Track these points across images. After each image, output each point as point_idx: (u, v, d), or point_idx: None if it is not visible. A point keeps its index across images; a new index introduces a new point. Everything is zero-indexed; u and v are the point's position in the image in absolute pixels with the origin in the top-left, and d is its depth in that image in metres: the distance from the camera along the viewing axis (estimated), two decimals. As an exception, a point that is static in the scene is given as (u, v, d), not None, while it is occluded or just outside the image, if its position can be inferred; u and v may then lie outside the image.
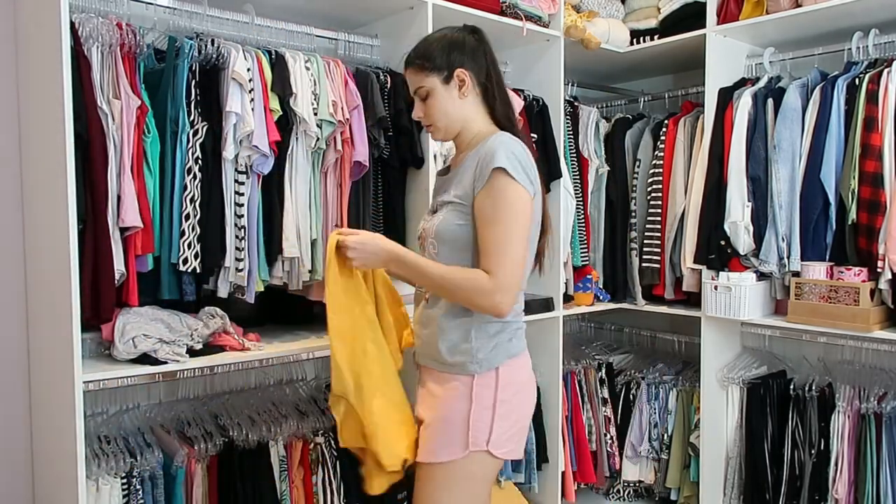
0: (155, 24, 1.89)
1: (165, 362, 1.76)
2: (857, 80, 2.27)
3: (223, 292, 1.91)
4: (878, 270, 2.19)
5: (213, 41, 1.89)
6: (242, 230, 1.90)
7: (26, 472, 2.06)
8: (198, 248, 1.83)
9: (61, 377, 1.71)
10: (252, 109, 1.87)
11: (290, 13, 2.20)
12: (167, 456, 1.93)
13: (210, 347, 1.88)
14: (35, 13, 1.81)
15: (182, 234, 1.82)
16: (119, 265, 1.72)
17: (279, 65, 1.96)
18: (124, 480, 1.83)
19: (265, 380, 2.32)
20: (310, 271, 2.02)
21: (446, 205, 1.54)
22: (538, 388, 2.73)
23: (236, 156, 1.88)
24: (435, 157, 2.29)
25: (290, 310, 2.28)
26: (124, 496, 1.82)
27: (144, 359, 1.75)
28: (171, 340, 1.78)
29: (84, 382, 1.63)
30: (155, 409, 2.12)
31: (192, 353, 1.83)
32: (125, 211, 1.70)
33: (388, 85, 2.20)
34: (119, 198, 1.71)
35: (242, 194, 1.90)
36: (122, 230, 1.73)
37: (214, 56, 1.88)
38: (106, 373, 1.69)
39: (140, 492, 1.85)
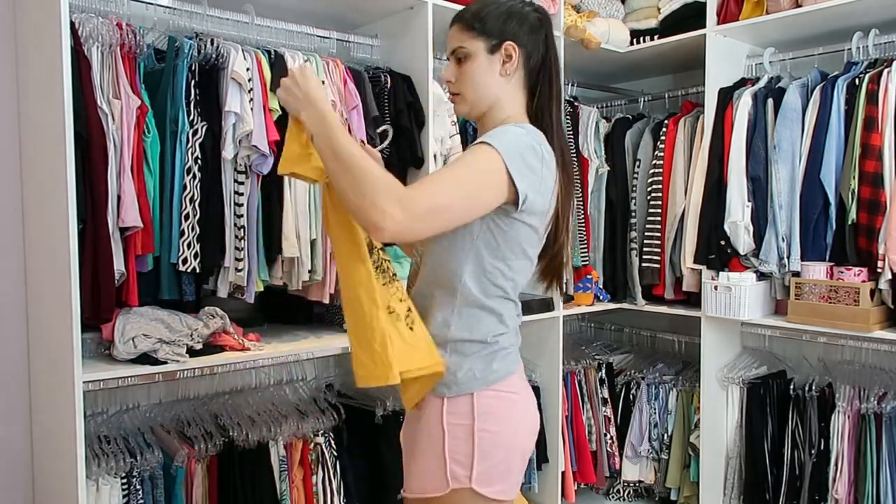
0: (155, 24, 1.89)
1: (165, 362, 1.76)
2: (857, 80, 2.27)
3: (223, 292, 1.91)
4: (878, 270, 2.19)
5: (212, 41, 1.89)
6: (242, 230, 1.90)
7: (26, 472, 2.06)
8: (197, 248, 1.83)
9: (61, 377, 1.71)
10: (251, 109, 1.87)
11: (290, 13, 2.20)
12: (167, 456, 1.93)
13: (210, 347, 1.88)
14: (35, 13, 1.81)
15: (181, 234, 1.82)
16: (119, 265, 1.72)
17: (278, 64, 1.96)
18: (124, 480, 1.83)
19: (265, 380, 2.32)
20: (309, 271, 2.01)
21: None
22: (539, 389, 2.77)
23: (235, 155, 1.88)
24: (435, 156, 2.29)
25: (290, 310, 2.28)
26: (124, 496, 1.82)
27: (144, 359, 1.75)
28: (171, 340, 1.78)
29: (84, 382, 1.63)
30: (155, 409, 2.12)
31: (192, 353, 1.83)
32: (125, 211, 1.70)
33: (388, 85, 2.20)
34: (119, 198, 1.71)
35: (242, 194, 1.90)
36: (122, 230, 1.73)
37: (214, 56, 1.88)
38: (106, 373, 1.69)
39: (140, 492, 1.85)
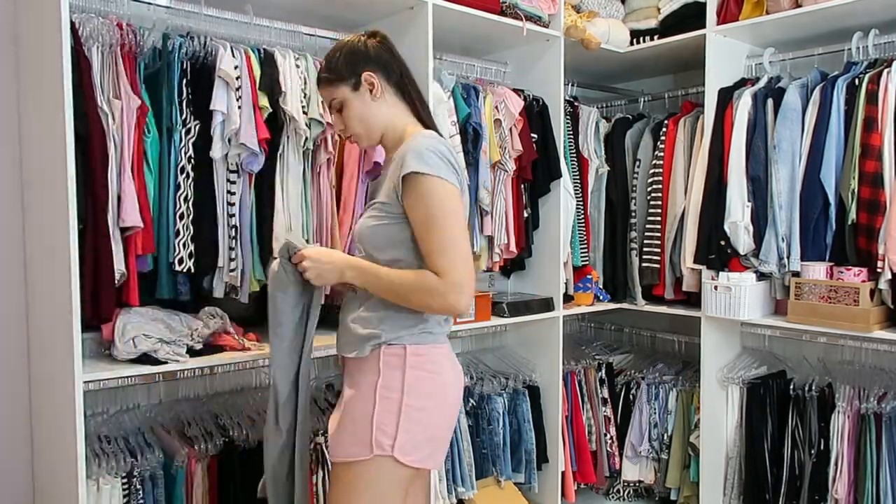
0: (155, 24, 1.89)
1: (165, 362, 1.76)
2: (856, 81, 2.27)
3: (218, 292, 1.91)
4: (878, 270, 2.19)
5: (201, 38, 1.89)
6: (234, 229, 1.90)
7: (26, 471, 2.06)
8: (192, 247, 1.84)
9: (61, 377, 1.71)
10: (239, 107, 1.86)
11: (290, 13, 2.20)
12: (167, 456, 1.93)
13: (210, 347, 1.88)
14: (35, 13, 1.81)
15: (177, 233, 1.82)
16: (119, 265, 1.73)
17: (268, 62, 1.96)
18: (124, 480, 1.83)
19: (265, 380, 2.32)
20: (303, 272, 2.01)
21: (369, 208, 1.54)
22: (539, 389, 2.78)
23: (226, 155, 1.88)
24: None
25: (290, 310, 2.27)
26: (125, 496, 1.83)
27: (144, 359, 1.75)
28: (171, 340, 1.78)
29: (84, 382, 1.63)
30: (155, 409, 2.12)
31: (192, 353, 1.83)
32: (125, 211, 1.71)
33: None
34: (119, 198, 1.72)
35: (234, 193, 1.90)
36: (123, 230, 1.74)
37: (203, 54, 1.88)
38: (106, 373, 1.69)
39: (140, 491, 1.85)
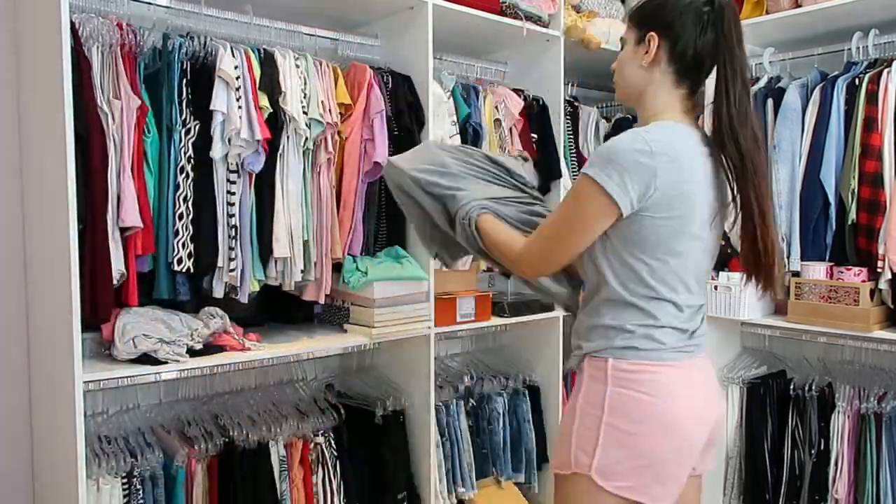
0: (155, 24, 1.89)
1: (165, 362, 1.75)
2: (856, 81, 2.27)
3: (218, 292, 1.90)
4: (878, 270, 2.19)
5: (201, 39, 1.89)
6: (234, 230, 1.90)
7: (26, 471, 2.06)
8: (192, 247, 1.83)
9: (61, 377, 1.71)
10: (239, 107, 1.86)
11: (290, 13, 2.20)
12: (167, 456, 1.93)
13: (210, 347, 1.88)
14: (35, 13, 1.81)
15: (177, 233, 1.82)
16: (119, 265, 1.73)
17: (268, 62, 1.96)
18: (125, 480, 1.83)
19: (265, 380, 2.32)
20: (302, 271, 2.01)
21: None
22: (539, 389, 2.77)
23: (226, 155, 1.87)
24: (435, 157, 2.29)
25: (290, 310, 2.28)
26: (125, 496, 1.82)
27: (145, 359, 1.75)
28: (171, 340, 1.78)
29: (84, 382, 1.63)
30: (155, 409, 2.12)
31: (193, 353, 1.83)
32: (125, 211, 1.70)
33: (389, 85, 2.20)
34: (119, 198, 1.72)
35: (234, 193, 1.90)
36: (122, 230, 1.73)
37: (203, 54, 1.88)
38: (106, 373, 1.69)
39: (140, 492, 1.85)
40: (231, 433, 2.02)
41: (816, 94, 2.36)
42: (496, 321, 2.54)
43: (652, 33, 1.35)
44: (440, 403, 2.43)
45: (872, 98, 2.21)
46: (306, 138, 1.99)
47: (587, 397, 1.34)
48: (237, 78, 1.87)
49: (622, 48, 1.44)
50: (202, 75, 1.88)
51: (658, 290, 1.32)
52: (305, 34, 2.17)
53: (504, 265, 1.50)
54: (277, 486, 2.05)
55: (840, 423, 2.35)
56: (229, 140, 1.86)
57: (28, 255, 2.00)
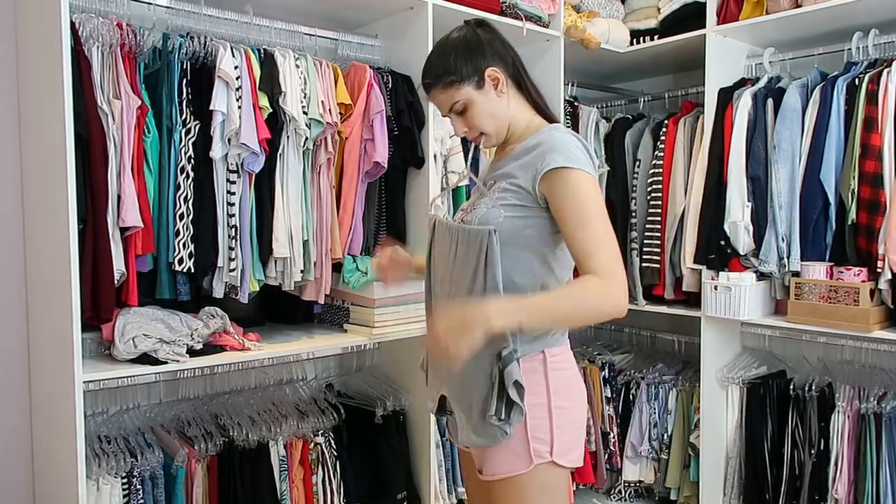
0: (155, 24, 1.89)
1: (165, 362, 1.76)
2: (856, 81, 2.27)
3: (218, 292, 1.91)
4: (878, 270, 2.19)
5: (201, 38, 1.89)
6: (234, 230, 1.90)
7: (27, 472, 2.06)
8: (192, 247, 1.84)
9: (61, 377, 1.71)
10: (239, 107, 1.86)
11: (291, 13, 2.20)
12: (167, 456, 1.93)
13: (210, 347, 1.88)
14: (35, 13, 1.81)
15: (177, 233, 1.82)
16: (119, 265, 1.73)
17: (268, 62, 1.96)
18: (125, 480, 1.83)
19: (265, 380, 2.32)
20: (301, 271, 2.01)
21: (499, 191, 1.40)
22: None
23: (226, 155, 1.88)
24: (435, 157, 2.29)
25: (291, 310, 2.28)
26: (125, 496, 1.83)
27: (144, 359, 1.75)
28: (171, 340, 1.79)
29: (84, 382, 1.64)
30: (155, 409, 2.12)
31: (193, 353, 1.83)
32: (125, 211, 1.71)
33: (389, 85, 2.21)
34: (119, 198, 1.72)
35: (234, 193, 1.90)
36: (123, 230, 1.74)
37: (203, 54, 1.88)
38: (106, 373, 1.69)
39: (140, 491, 1.85)
40: (231, 433, 2.02)
41: (816, 94, 2.36)
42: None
43: (489, 70, 1.43)
44: (440, 403, 2.43)
45: (872, 98, 2.21)
46: (306, 138, 1.99)
47: (529, 390, 1.38)
48: (237, 78, 1.87)
49: (462, 112, 1.44)
50: (202, 75, 1.88)
51: (564, 276, 1.45)
52: (305, 34, 2.17)
53: (596, 317, 1.33)
54: (277, 485, 2.05)
55: (840, 423, 2.35)
56: (229, 140, 1.86)
57: (28, 255, 2.00)
